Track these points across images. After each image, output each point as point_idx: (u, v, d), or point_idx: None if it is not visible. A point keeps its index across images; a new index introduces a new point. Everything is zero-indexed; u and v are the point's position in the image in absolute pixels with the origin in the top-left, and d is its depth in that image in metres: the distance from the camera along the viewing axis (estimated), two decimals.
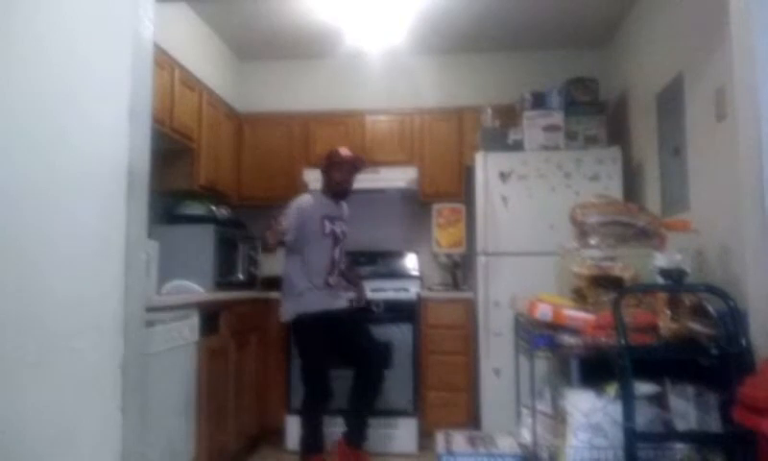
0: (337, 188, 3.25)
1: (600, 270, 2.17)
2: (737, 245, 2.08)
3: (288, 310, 3.16)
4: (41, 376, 2.01)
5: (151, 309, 2.27)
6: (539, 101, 3.59)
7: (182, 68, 3.43)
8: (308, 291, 3.11)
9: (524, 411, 2.38)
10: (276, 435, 3.70)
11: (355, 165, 3.28)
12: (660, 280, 2.01)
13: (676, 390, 1.93)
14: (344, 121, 4.28)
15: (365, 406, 3.18)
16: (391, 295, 3.75)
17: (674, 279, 1.97)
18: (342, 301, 3.24)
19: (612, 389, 1.93)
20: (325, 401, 3.14)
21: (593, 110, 3.58)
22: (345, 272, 3.36)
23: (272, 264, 4.38)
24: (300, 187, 4.15)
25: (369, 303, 3.58)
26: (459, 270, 4.17)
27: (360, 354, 3.19)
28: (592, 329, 1.98)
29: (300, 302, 3.11)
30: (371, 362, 3.21)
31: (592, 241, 2.29)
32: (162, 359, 2.46)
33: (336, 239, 3.21)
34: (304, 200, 3.20)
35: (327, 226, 3.17)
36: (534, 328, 2.15)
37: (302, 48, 4.21)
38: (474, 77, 4.35)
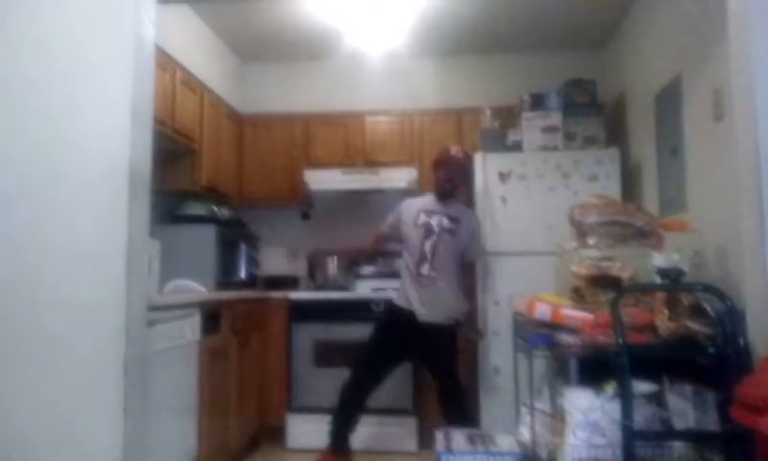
0: (440, 188, 3.24)
1: (598, 270, 2.18)
2: (735, 245, 2.09)
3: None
4: (43, 376, 2.02)
5: (152, 309, 2.28)
6: (537, 102, 3.60)
7: (184, 69, 3.44)
8: (403, 284, 3.21)
9: (523, 410, 2.39)
10: (277, 434, 3.72)
11: (462, 164, 3.28)
12: (659, 280, 2.02)
13: (674, 389, 1.93)
14: (344, 122, 4.29)
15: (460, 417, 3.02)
16: (391, 295, 3.75)
17: (672, 278, 1.98)
18: (435, 312, 3.08)
19: (610, 388, 1.94)
20: (365, 392, 3.12)
21: (592, 111, 3.60)
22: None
23: (272, 264, 4.41)
24: (301, 187, 4.17)
25: (478, 333, 3.35)
26: None
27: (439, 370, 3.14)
28: (591, 329, 1.99)
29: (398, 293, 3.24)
30: (452, 380, 3.11)
31: (591, 241, 2.30)
32: (164, 358, 2.47)
33: (430, 231, 3.16)
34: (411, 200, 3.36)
35: (422, 217, 3.19)
36: (533, 328, 2.16)
37: (303, 49, 4.22)
38: (473, 78, 4.37)
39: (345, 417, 3.13)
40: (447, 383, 3.11)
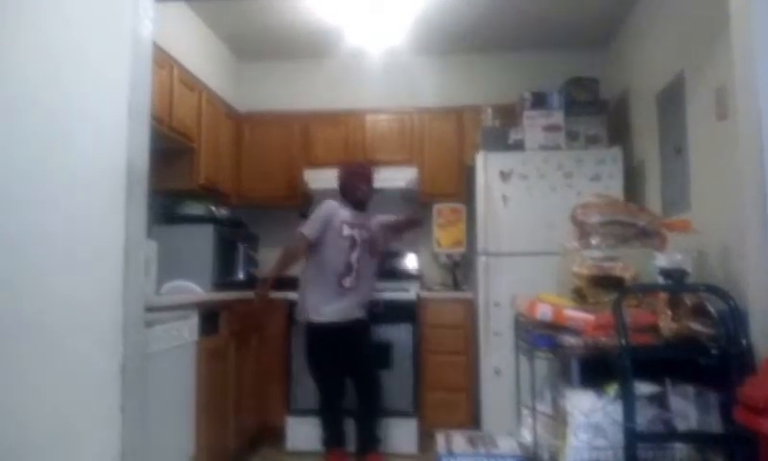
0: (357, 199, 3.35)
1: (601, 270, 2.17)
2: (738, 245, 2.07)
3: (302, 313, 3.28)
4: (40, 376, 2.00)
5: (150, 309, 2.26)
6: (539, 101, 3.58)
7: (182, 67, 3.42)
8: (314, 295, 3.22)
9: (524, 411, 2.38)
10: (275, 435, 3.70)
11: (369, 173, 3.40)
12: (661, 280, 2.01)
13: (676, 390, 1.92)
14: (344, 121, 4.28)
15: (372, 410, 3.34)
16: (391, 295, 3.74)
17: (675, 278, 1.97)
18: (354, 311, 3.26)
19: (612, 389, 1.93)
20: (338, 400, 3.33)
21: (594, 110, 3.58)
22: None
23: (272, 264, 4.39)
24: (300, 187, 4.15)
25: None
26: (459, 270, 4.16)
27: (358, 363, 3.32)
28: (593, 330, 1.98)
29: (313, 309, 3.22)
30: (367, 370, 3.34)
31: (593, 241, 2.29)
32: (162, 359, 2.46)
33: (354, 244, 3.24)
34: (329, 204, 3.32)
35: (346, 230, 3.23)
36: (534, 329, 2.15)
37: (302, 47, 4.20)
38: (474, 77, 4.35)
39: (329, 423, 3.36)
40: (371, 374, 3.35)
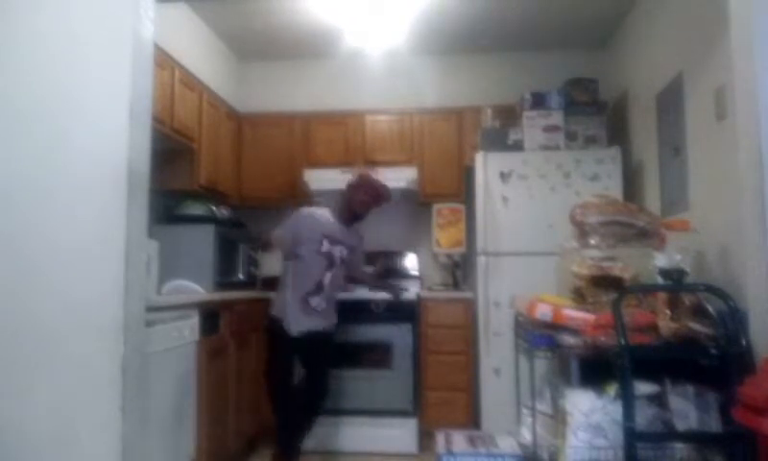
0: (352, 212, 3.20)
1: (600, 270, 2.17)
2: (737, 245, 2.08)
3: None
4: (41, 377, 2.01)
5: (151, 309, 2.27)
6: (538, 101, 3.59)
7: (183, 68, 3.43)
8: (285, 302, 3.10)
9: (524, 411, 2.38)
10: (275, 435, 3.69)
11: (381, 195, 3.24)
12: (660, 280, 2.01)
13: (676, 390, 1.93)
14: (344, 121, 4.28)
15: (307, 417, 3.20)
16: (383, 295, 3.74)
17: (674, 278, 1.97)
18: (319, 324, 3.14)
19: (611, 389, 1.93)
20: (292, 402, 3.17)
21: (593, 111, 3.59)
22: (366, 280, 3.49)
23: (272, 264, 4.39)
24: (301, 187, 4.16)
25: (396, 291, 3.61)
26: (459, 270, 4.17)
27: (313, 381, 3.19)
28: (592, 329, 1.98)
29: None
30: (317, 394, 3.20)
31: (592, 241, 2.29)
32: (162, 359, 2.46)
33: (331, 263, 3.14)
34: (307, 212, 3.21)
35: (326, 245, 3.12)
36: (534, 328, 2.15)
37: (302, 48, 4.21)
38: (474, 77, 4.35)
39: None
40: (321, 380, 3.20)
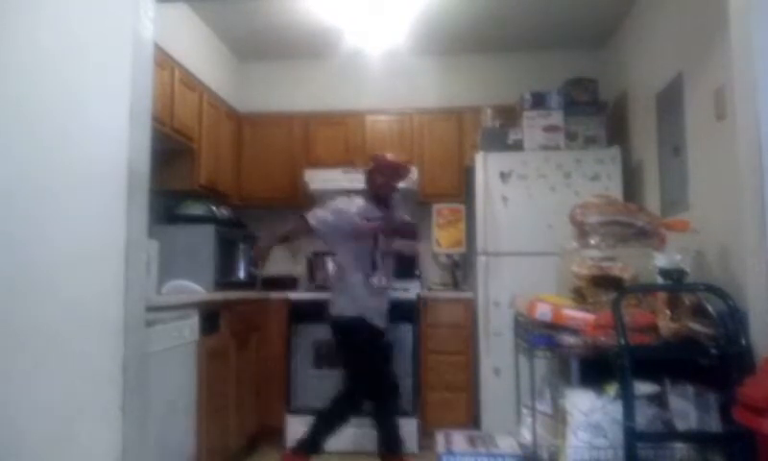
0: (375, 192, 3.21)
1: (600, 270, 2.17)
2: (737, 245, 2.08)
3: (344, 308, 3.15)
4: (41, 376, 2.01)
5: (151, 309, 2.27)
6: (538, 101, 3.59)
7: (183, 68, 3.43)
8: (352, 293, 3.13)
9: (524, 411, 2.38)
10: (275, 434, 3.70)
11: (398, 172, 3.28)
12: (660, 280, 2.01)
13: (676, 390, 1.93)
14: (344, 121, 4.28)
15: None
16: (391, 294, 3.74)
17: (674, 278, 1.97)
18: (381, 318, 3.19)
19: (611, 389, 1.93)
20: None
21: (593, 111, 3.59)
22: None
23: (272, 264, 4.39)
24: (301, 187, 4.16)
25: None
26: (459, 270, 4.17)
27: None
28: (592, 329, 1.98)
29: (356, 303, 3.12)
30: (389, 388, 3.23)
31: (592, 241, 2.29)
32: (162, 359, 2.46)
33: (376, 239, 3.15)
34: (342, 201, 3.21)
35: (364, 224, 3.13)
36: (534, 328, 2.15)
37: (302, 48, 4.21)
38: (474, 77, 4.35)
39: (329, 425, 3.16)
40: (385, 382, 3.21)
